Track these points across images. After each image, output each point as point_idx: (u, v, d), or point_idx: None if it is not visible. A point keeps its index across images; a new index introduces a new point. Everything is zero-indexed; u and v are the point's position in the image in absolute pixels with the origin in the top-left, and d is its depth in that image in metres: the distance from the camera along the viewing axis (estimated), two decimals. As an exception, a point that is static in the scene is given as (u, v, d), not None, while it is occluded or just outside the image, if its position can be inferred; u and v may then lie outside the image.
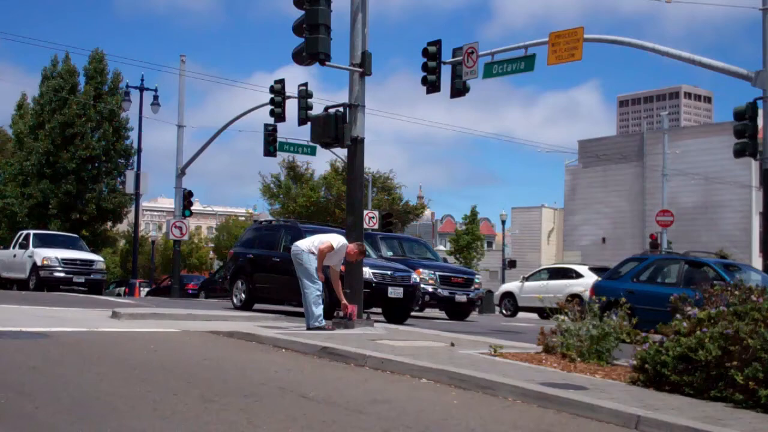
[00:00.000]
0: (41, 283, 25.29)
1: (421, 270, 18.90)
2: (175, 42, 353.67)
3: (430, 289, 19.22)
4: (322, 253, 11.66)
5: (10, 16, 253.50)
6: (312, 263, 11.65)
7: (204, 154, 31.34)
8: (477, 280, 21.19)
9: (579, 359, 8.62)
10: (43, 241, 27.12)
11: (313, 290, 11.62)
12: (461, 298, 20.07)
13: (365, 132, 13.54)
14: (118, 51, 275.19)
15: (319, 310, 11.62)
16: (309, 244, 11.81)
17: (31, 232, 28.27)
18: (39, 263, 25.38)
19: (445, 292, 19.74)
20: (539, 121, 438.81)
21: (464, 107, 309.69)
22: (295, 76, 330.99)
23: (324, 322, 11.62)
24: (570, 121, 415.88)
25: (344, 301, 12.13)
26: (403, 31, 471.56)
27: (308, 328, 11.50)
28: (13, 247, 27.62)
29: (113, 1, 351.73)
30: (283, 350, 9.53)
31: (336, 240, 11.86)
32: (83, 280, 25.88)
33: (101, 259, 28.00)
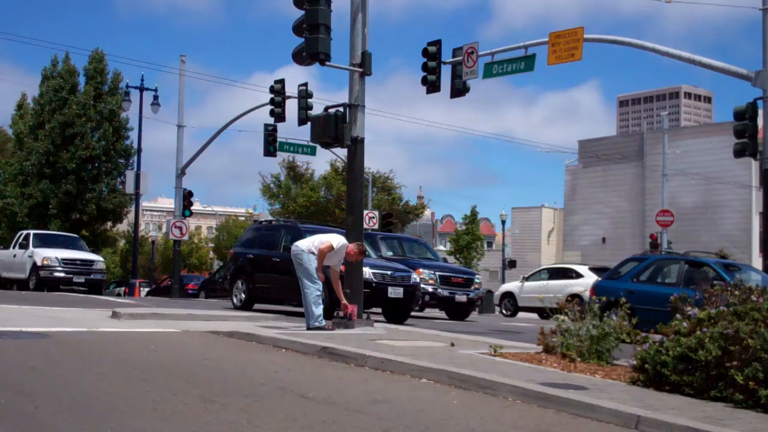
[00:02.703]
0: (41, 283, 25.03)
1: (421, 270, 18.75)
2: (175, 42, 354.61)
3: (430, 289, 19.17)
4: (322, 253, 11.66)
5: (10, 16, 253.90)
6: (312, 263, 11.65)
7: (204, 154, 31.36)
8: (477, 280, 21.00)
9: (579, 359, 8.62)
10: (43, 241, 26.89)
11: (313, 290, 11.63)
12: (461, 298, 19.93)
13: (365, 132, 13.54)
14: (118, 51, 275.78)
15: (319, 310, 11.63)
16: (309, 244, 11.80)
17: (31, 232, 27.91)
18: (39, 263, 25.13)
19: (445, 292, 19.62)
20: (539, 121, 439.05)
21: (464, 107, 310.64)
22: (295, 76, 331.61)
23: (324, 322, 11.62)
24: (570, 121, 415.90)
25: (344, 300, 12.12)
26: (403, 31, 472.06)
27: (308, 328, 11.50)
28: (13, 247, 27.28)
29: (113, 1, 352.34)
30: (283, 350, 9.53)
31: (336, 240, 11.87)
32: (83, 280, 25.57)
33: (101, 259, 27.60)
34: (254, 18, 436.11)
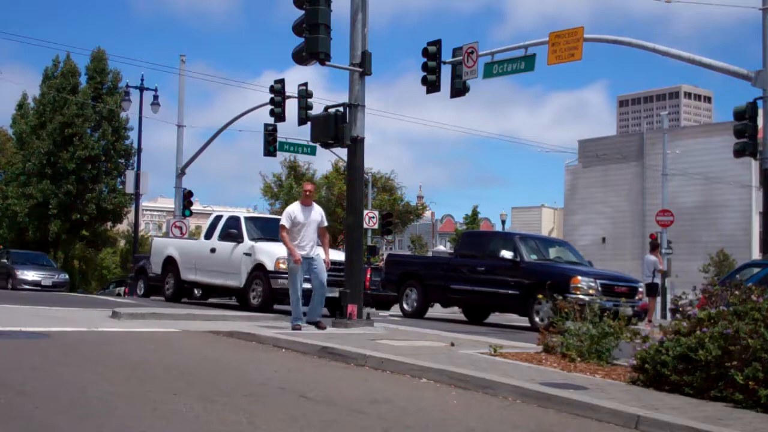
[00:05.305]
0: (272, 295, 15.88)
1: (579, 278, 15.77)
2: (190, 43, 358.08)
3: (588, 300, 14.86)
4: (285, 240, 11.50)
5: (18, 15, 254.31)
6: (289, 262, 11.52)
7: (205, 154, 31.47)
8: (640, 288, 17.54)
9: (579, 359, 8.62)
10: (263, 230, 17.30)
11: (293, 291, 11.53)
12: (626, 310, 14.23)
13: (366, 132, 13.53)
14: (132, 53, 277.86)
15: (296, 311, 11.49)
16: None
17: (241, 216, 18.13)
18: (270, 267, 15.66)
19: (609, 304, 14.16)
20: (544, 122, 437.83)
21: (473, 108, 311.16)
22: (302, 76, 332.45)
23: (296, 323, 11.39)
24: (574, 121, 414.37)
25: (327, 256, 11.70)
26: (417, 33, 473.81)
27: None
28: (207, 237, 18.15)
29: (130, 2, 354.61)
30: (283, 350, 9.53)
31: (285, 216, 11.57)
32: (336, 294, 14.94)
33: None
34: (266, 19, 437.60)
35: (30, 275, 28.66)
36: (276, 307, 16.87)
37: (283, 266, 15.17)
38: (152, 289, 22.39)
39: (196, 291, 20.38)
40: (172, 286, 19.01)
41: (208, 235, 18.09)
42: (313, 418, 5.62)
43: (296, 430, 5.25)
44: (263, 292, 15.97)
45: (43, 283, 28.47)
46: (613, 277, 17.31)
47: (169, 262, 19.06)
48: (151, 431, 5.01)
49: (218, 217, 18.30)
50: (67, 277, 31.35)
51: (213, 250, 17.52)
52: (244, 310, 16.01)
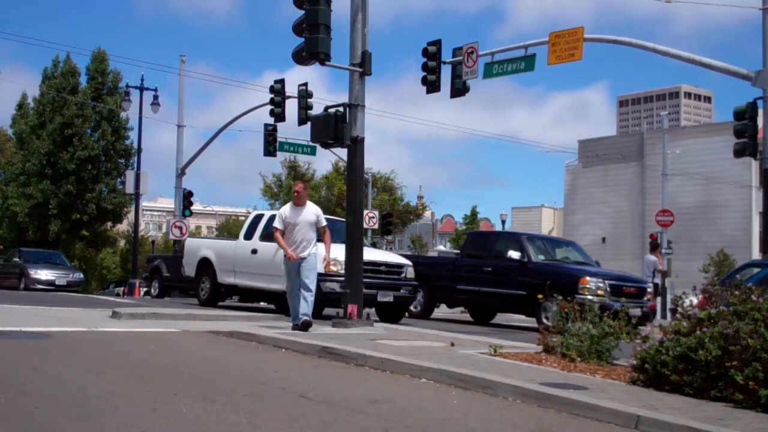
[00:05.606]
0: (322, 300, 14.06)
1: (587, 278, 15.64)
2: (189, 43, 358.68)
3: (596, 301, 14.09)
4: (279, 241, 11.44)
5: (27, 17, 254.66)
6: (285, 261, 11.51)
7: (205, 154, 31.52)
8: (649, 289, 17.34)
9: (579, 359, 8.62)
10: None
11: (290, 290, 11.53)
12: (635, 312, 14.61)
13: (366, 132, 13.53)
14: (132, 53, 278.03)
15: (294, 311, 11.47)
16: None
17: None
18: (320, 269, 12.59)
19: (617, 305, 12.92)
20: (546, 122, 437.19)
21: (473, 107, 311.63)
22: (302, 76, 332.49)
23: (296, 322, 11.34)
24: (576, 121, 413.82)
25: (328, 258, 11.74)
26: (418, 33, 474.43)
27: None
28: (247, 237, 16.72)
29: (129, 2, 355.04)
30: (283, 350, 9.53)
31: (277, 218, 11.52)
32: (391, 299, 15.12)
33: (408, 262, 16.40)
34: (272, 20, 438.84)
35: (43, 274, 28.12)
36: (324, 312, 14.80)
37: (334, 269, 14.07)
38: (167, 289, 21.97)
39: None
40: (208, 289, 17.67)
41: (248, 236, 16.70)
42: (313, 418, 5.62)
43: (296, 430, 5.25)
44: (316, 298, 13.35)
45: (57, 283, 27.87)
46: (622, 277, 17.29)
47: (204, 264, 17.70)
48: (151, 431, 5.01)
49: (259, 216, 17.07)
50: (81, 276, 30.73)
51: (254, 252, 16.20)
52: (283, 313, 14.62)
